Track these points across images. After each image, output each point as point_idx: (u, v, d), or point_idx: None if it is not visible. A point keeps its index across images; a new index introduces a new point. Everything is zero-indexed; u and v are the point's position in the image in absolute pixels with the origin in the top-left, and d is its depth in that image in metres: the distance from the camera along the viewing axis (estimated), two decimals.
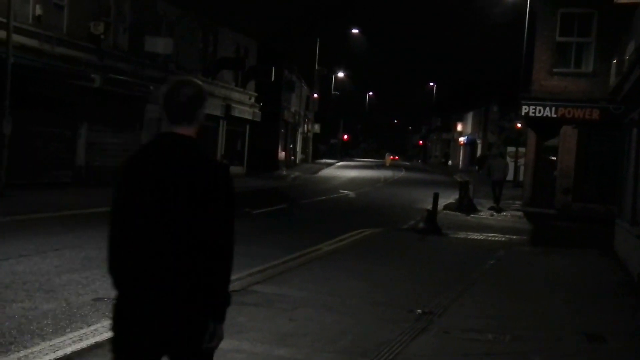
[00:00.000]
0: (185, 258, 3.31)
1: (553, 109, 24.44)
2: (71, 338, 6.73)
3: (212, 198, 3.39)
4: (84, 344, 6.54)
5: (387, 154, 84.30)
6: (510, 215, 24.40)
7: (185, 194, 3.31)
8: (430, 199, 18.98)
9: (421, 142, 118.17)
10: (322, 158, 75.55)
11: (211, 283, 3.40)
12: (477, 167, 59.64)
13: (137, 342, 3.35)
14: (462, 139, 75.77)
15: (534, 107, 24.67)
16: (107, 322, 7.37)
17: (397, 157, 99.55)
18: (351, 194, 31.19)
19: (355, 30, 69.63)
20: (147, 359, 3.37)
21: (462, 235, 18.01)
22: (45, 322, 7.28)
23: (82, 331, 7.01)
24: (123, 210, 3.46)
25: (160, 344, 3.35)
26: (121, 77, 25.77)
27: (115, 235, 3.47)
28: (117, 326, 3.44)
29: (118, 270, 3.47)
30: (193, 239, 3.32)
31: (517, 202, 28.39)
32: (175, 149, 3.41)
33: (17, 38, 19.92)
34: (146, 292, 3.32)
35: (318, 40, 59.94)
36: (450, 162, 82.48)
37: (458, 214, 23.64)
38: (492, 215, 24.20)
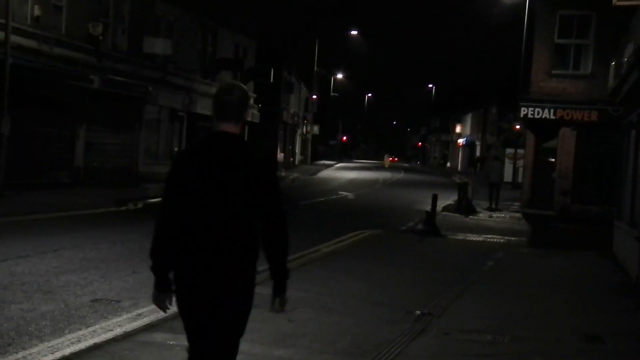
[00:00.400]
0: (241, 238, 3.87)
1: (552, 110, 24.46)
2: (69, 339, 6.72)
3: (263, 184, 3.87)
4: (82, 345, 6.53)
5: (385, 156, 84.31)
6: (509, 217, 24.42)
7: (237, 182, 3.81)
8: (429, 200, 19.00)
9: (420, 143, 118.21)
10: (321, 159, 75.52)
11: (276, 255, 4.06)
12: (474, 169, 59.71)
13: (195, 304, 3.95)
14: (461, 141, 75.81)
15: (532, 108, 24.68)
16: (105, 323, 7.38)
17: (396, 158, 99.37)
18: (350, 195, 31.19)
19: (354, 32, 69.65)
20: (204, 321, 3.97)
21: (460, 236, 18.01)
22: (44, 323, 7.26)
23: (81, 332, 7.00)
24: (178, 198, 3.86)
25: (212, 313, 3.93)
26: (120, 78, 25.74)
27: (166, 221, 3.88)
28: (179, 293, 3.99)
29: (167, 253, 3.91)
30: (244, 221, 3.87)
31: (516, 203, 28.40)
32: (225, 145, 3.89)
33: (15, 39, 19.89)
34: (199, 268, 3.84)
35: (317, 41, 59.98)
36: (448, 164, 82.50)
37: (457, 215, 23.65)
38: (490, 216, 24.21)
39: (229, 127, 3.93)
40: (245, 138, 33.13)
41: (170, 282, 4.00)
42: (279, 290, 4.23)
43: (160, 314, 7.79)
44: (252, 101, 40.53)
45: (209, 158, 3.87)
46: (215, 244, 3.84)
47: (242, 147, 3.95)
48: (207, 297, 3.92)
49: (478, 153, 64.07)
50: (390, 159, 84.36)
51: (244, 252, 3.92)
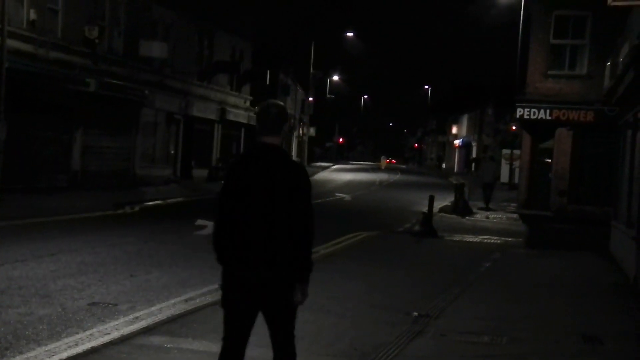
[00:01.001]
0: (280, 235, 4.48)
1: (548, 111, 24.49)
2: (67, 343, 6.71)
3: (299, 188, 4.58)
4: (79, 349, 6.52)
5: (382, 157, 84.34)
6: (506, 218, 24.43)
7: (280, 186, 4.50)
8: (426, 202, 19.01)
9: (417, 144, 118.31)
10: (317, 161, 75.52)
11: (302, 249, 4.57)
12: (469, 169, 59.81)
13: (240, 300, 4.52)
14: (457, 142, 75.88)
15: (528, 109, 24.71)
16: (102, 327, 7.37)
17: (394, 160, 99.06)
18: (347, 197, 31.19)
19: (350, 34, 69.74)
20: (249, 314, 4.58)
21: (457, 237, 18.02)
22: (41, 327, 7.25)
23: (78, 336, 6.99)
24: (232, 199, 4.56)
25: (258, 302, 4.53)
26: (116, 81, 25.74)
27: (223, 218, 4.57)
28: (226, 286, 4.55)
29: (224, 246, 4.56)
30: (285, 219, 4.49)
31: (513, 204, 28.42)
32: (268, 155, 4.62)
33: (11, 43, 19.89)
34: (248, 261, 4.46)
35: (313, 43, 60.01)
36: (444, 165, 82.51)
37: (454, 216, 23.66)
38: (487, 217, 24.23)
39: (270, 139, 4.66)
40: (243, 140, 33.02)
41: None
42: (301, 281, 4.60)
43: (158, 318, 7.81)
44: (248, 103, 40.58)
45: (255, 166, 4.59)
46: (261, 238, 4.48)
47: (281, 156, 4.68)
48: (257, 288, 4.49)
49: (474, 154, 64.14)
50: (388, 160, 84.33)
51: (286, 245, 4.51)
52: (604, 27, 22.84)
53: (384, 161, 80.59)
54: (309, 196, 4.68)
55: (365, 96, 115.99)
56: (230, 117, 37.22)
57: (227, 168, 4.82)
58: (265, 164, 4.58)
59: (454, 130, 79.25)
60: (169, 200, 24.05)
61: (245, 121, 39.62)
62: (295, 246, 4.54)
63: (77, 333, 7.11)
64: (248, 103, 40.87)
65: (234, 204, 4.55)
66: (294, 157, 60.86)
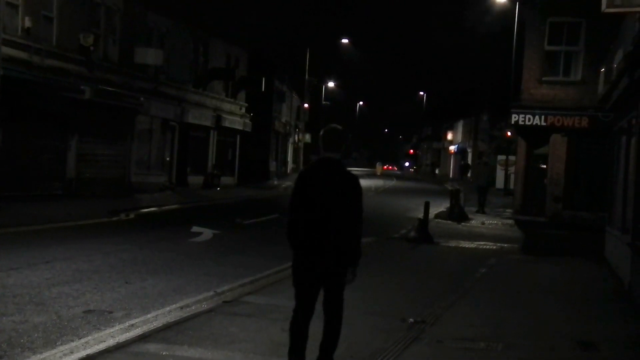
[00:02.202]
0: (339, 229, 5.82)
1: (542, 117, 24.56)
2: (62, 351, 6.69)
3: (352, 194, 5.91)
4: (74, 356, 6.51)
5: (378, 164, 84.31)
6: (502, 224, 24.46)
7: (339, 191, 5.86)
8: (422, 208, 19.00)
9: (412, 151, 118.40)
10: None
11: (352, 243, 5.89)
12: (462, 175, 59.92)
13: (308, 278, 5.95)
14: (452, 148, 75.97)
15: (523, 115, 24.78)
16: (98, 335, 7.35)
17: (391, 167, 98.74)
18: None
19: (345, 40, 69.81)
20: (313, 288, 6.00)
21: (453, 243, 18.03)
22: (36, 335, 7.23)
23: (73, 344, 6.97)
24: (302, 202, 5.88)
25: (321, 279, 5.95)
26: (111, 89, 25.73)
27: (295, 217, 5.90)
28: (295, 269, 6.03)
29: (296, 237, 5.92)
30: (342, 217, 5.82)
31: (508, 210, 28.47)
32: (332, 167, 5.94)
33: (6, 50, 19.87)
34: (315, 248, 5.84)
35: (308, 50, 60.08)
36: (437, 171, 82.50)
37: (449, 222, 23.68)
38: (482, 223, 24.26)
39: (332, 155, 5.99)
40: (238, 147, 33.02)
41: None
42: (353, 265, 5.96)
43: (153, 325, 7.80)
44: (243, 110, 40.60)
45: (320, 175, 5.93)
46: (325, 231, 5.82)
47: (340, 168, 5.99)
48: (320, 269, 5.90)
49: (467, 160, 64.22)
50: (385, 167, 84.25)
51: (343, 238, 5.85)
52: (598, 33, 22.93)
53: (381, 167, 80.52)
54: (361, 199, 5.99)
55: (361, 103, 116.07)
56: (226, 123, 37.22)
57: (297, 176, 6.09)
58: (327, 173, 5.92)
59: (449, 136, 79.36)
60: (164, 208, 24.02)
61: (240, 128, 39.60)
62: (349, 238, 5.88)
63: (72, 341, 7.09)
64: (243, 110, 40.87)
65: (304, 204, 5.87)
66: (289, 164, 60.98)
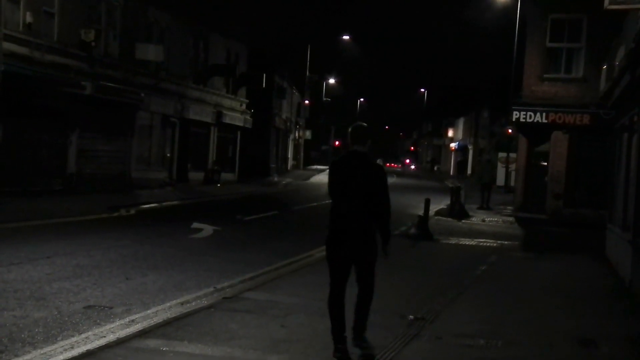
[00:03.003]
0: (369, 213, 6.74)
1: (544, 114, 24.52)
2: (62, 346, 6.70)
3: (379, 182, 6.86)
4: (75, 352, 6.51)
5: (378, 160, 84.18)
6: (502, 221, 24.46)
7: (369, 181, 6.78)
8: (422, 205, 19.01)
9: (412, 147, 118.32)
10: (313, 164, 75.53)
11: (384, 224, 6.84)
12: (459, 172, 59.92)
13: (341, 254, 6.75)
14: (453, 145, 75.95)
15: (524, 112, 24.74)
16: (98, 330, 7.36)
17: (394, 164, 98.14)
18: None
19: (346, 37, 69.77)
20: (346, 265, 6.79)
21: (453, 240, 18.03)
22: (37, 330, 7.24)
23: (74, 339, 6.98)
24: (336, 190, 6.82)
25: (353, 257, 6.77)
26: (112, 85, 25.70)
27: (334, 202, 6.82)
28: (329, 249, 6.84)
29: (334, 219, 6.80)
30: (373, 202, 6.74)
31: (509, 207, 28.46)
32: (360, 159, 6.87)
33: (7, 45, 19.86)
34: (348, 229, 6.70)
35: (309, 46, 60.05)
36: (436, 168, 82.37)
37: (449, 219, 23.67)
38: (483, 220, 24.27)
39: (360, 148, 6.91)
40: (238, 143, 33.05)
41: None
42: (385, 244, 6.87)
43: (153, 321, 7.80)
44: (244, 106, 40.57)
45: (349, 165, 6.86)
46: (356, 215, 6.72)
47: (367, 159, 6.92)
48: (351, 248, 6.73)
49: (470, 157, 64.18)
50: (388, 164, 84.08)
51: (371, 219, 6.77)
52: (600, 30, 22.88)
53: (380, 164, 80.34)
54: (387, 186, 6.94)
55: (361, 99, 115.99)
56: (226, 120, 37.20)
57: (329, 166, 7.03)
58: (356, 164, 6.84)
59: (450, 133, 79.33)
60: (165, 203, 24.02)
61: (241, 124, 39.58)
62: (380, 220, 6.82)
63: (73, 336, 7.10)
64: (244, 106, 40.84)
65: (337, 192, 6.80)
66: (290, 161, 60.97)
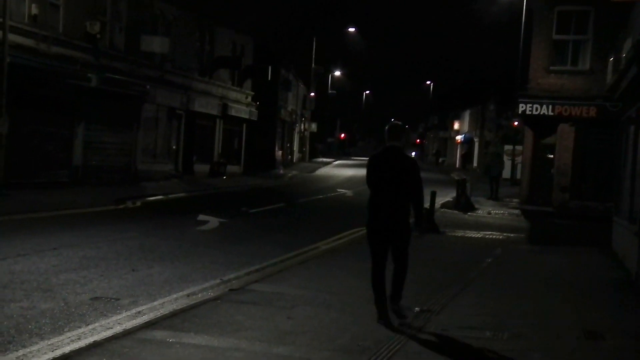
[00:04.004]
0: (403, 200, 7.78)
1: (550, 106, 24.44)
2: (69, 337, 6.72)
3: (414, 173, 7.80)
4: (82, 343, 6.53)
5: None
6: (508, 213, 24.43)
7: (403, 172, 7.74)
8: (427, 197, 18.97)
9: (418, 140, 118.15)
10: (319, 157, 75.49)
11: (418, 208, 7.94)
12: (464, 165, 59.76)
13: (379, 237, 7.85)
14: (459, 137, 75.74)
15: (530, 105, 24.67)
16: (105, 321, 7.38)
17: None
18: (348, 192, 31.20)
19: (351, 29, 69.60)
20: (384, 246, 7.88)
21: (459, 233, 18.02)
22: (44, 321, 7.27)
23: (80, 330, 7.00)
24: (375, 181, 7.80)
25: (390, 238, 7.85)
26: (118, 77, 25.72)
27: (373, 191, 7.82)
28: (370, 232, 7.93)
29: (372, 207, 7.82)
30: (407, 190, 7.76)
31: (515, 200, 28.43)
32: (396, 152, 7.84)
33: (13, 37, 19.88)
34: (385, 215, 7.76)
35: (315, 39, 59.92)
36: (440, 160, 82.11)
37: (456, 212, 23.66)
38: (489, 213, 24.23)
39: (395, 143, 7.88)
40: (244, 136, 33.06)
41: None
42: (418, 225, 8.38)
43: (160, 312, 7.83)
44: (249, 99, 40.56)
45: (386, 159, 7.83)
46: (392, 202, 7.75)
47: (402, 153, 7.90)
48: (388, 230, 7.83)
49: (476, 150, 64.02)
50: None
51: (405, 206, 7.83)
52: (607, 22, 22.79)
53: None
54: (419, 175, 7.89)
55: (367, 92, 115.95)
56: (232, 112, 37.20)
57: (369, 159, 7.98)
58: (392, 157, 7.81)
59: (456, 125, 79.04)
60: (171, 196, 24.06)
61: (246, 116, 39.57)
62: (414, 204, 7.89)
63: (80, 327, 7.13)
64: (250, 98, 40.83)
65: (374, 183, 7.77)
66: (295, 153, 60.95)
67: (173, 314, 7.77)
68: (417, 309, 8.69)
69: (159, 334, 6.94)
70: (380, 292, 7.89)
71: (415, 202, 7.88)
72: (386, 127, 7.97)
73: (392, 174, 7.70)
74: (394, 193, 7.70)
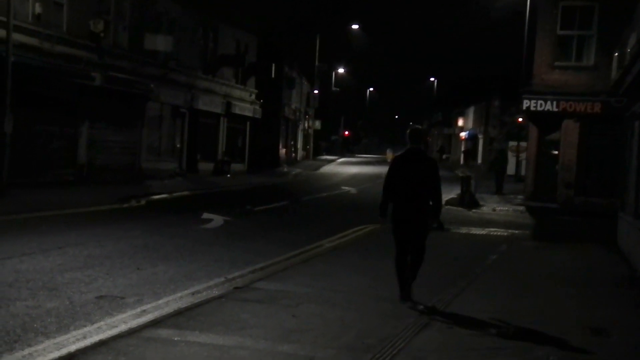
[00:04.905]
0: (424, 196, 8.63)
1: (554, 102, 24.41)
2: (75, 336, 6.73)
3: (433, 173, 8.69)
4: (87, 341, 6.54)
5: (388, 150, 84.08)
6: (513, 210, 24.39)
7: (424, 171, 8.65)
8: None
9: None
10: (323, 154, 75.46)
11: (436, 204, 8.73)
12: (466, 162, 59.65)
13: (402, 228, 8.72)
14: (463, 134, 75.64)
15: (535, 101, 24.64)
16: (110, 320, 7.40)
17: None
18: (352, 190, 31.18)
19: (355, 26, 69.49)
20: (406, 237, 8.73)
21: (464, 230, 18.00)
22: (49, 320, 7.28)
23: (86, 329, 7.01)
24: (396, 180, 8.72)
25: (411, 228, 8.68)
26: (121, 75, 25.75)
27: (389, 190, 8.80)
28: (394, 225, 8.77)
29: (396, 202, 8.73)
30: (425, 188, 8.62)
31: (520, 196, 28.39)
32: (417, 154, 8.80)
33: (17, 36, 19.90)
34: (406, 209, 8.63)
35: (318, 36, 59.86)
36: (444, 157, 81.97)
37: (460, 209, 23.62)
38: (494, 210, 24.20)
39: (417, 145, 8.85)
40: (248, 134, 33.10)
41: (386, 214, 8.88)
42: (436, 216, 8.97)
43: (165, 310, 7.84)
44: (253, 97, 40.56)
45: (409, 160, 8.78)
46: (413, 199, 8.66)
47: (424, 155, 8.97)
48: (410, 223, 8.69)
49: (480, 146, 63.93)
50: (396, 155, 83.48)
51: (425, 202, 8.69)
52: (611, 17, 22.74)
53: (391, 154, 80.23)
54: (438, 173, 8.79)
55: (371, 89, 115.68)
56: (236, 110, 37.20)
57: (393, 160, 9.01)
58: (414, 158, 8.78)
59: (460, 122, 78.91)
60: (175, 194, 24.08)
61: (250, 114, 39.56)
62: (434, 200, 8.71)
63: (85, 326, 7.14)
64: (253, 96, 40.82)
65: (398, 181, 8.71)
66: (299, 151, 60.91)
67: (178, 313, 7.79)
68: (422, 306, 8.69)
69: (164, 333, 6.95)
70: (401, 275, 8.88)
71: (435, 197, 8.69)
72: (408, 131, 8.89)
73: (415, 173, 8.65)
74: (416, 190, 8.62)
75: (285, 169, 45.02)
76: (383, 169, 57.31)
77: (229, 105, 36.40)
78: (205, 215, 17.45)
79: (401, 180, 8.68)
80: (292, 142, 55.96)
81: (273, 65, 40.25)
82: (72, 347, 6.34)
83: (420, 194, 8.62)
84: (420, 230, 8.71)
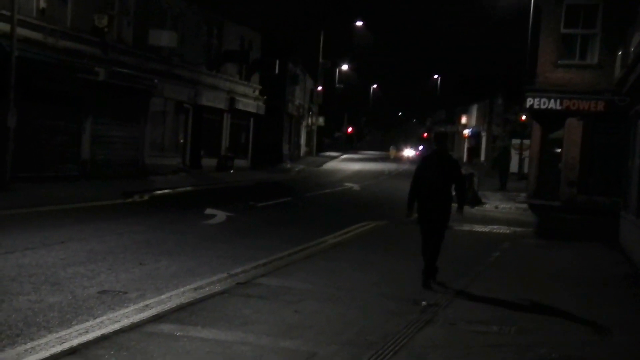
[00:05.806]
0: (447, 192, 9.97)
1: (558, 101, 24.36)
2: (77, 330, 6.75)
3: (456, 172, 10.06)
4: (90, 336, 6.56)
5: (391, 147, 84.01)
6: (515, 208, 24.38)
7: (447, 171, 9.94)
8: None
9: (426, 134, 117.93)
10: (326, 151, 75.47)
11: (460, 196, 10.41)
12: (471, 160, 59.61)
13: (426, 220, 10.02)
14: (466, 132, 75.58)
15: (538, 99, 24.59)
16: (112, 315, 7.42)
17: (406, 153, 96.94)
18: (355, 186, 31.19)
19: (359, 23, 69.46)
20: (430, 228, 10.02)
21: (467, 227, 17.99)
22: (51, 314, 7.30)
23: (88, 323, 7.03)
24: (421, 179, 9.92)
25: (434, 222, 9.98)
26: (125, 71, 25.76)
27: (415, 188, 9.99)
28: (419, 217, 10.09)
29: (421, 198, 9.95)
30: (448, 186, 9.97)
31: (522, 194, 28.36)
32: (441, 155, 10.16)
33: (21, 31, 19.91)
34: (429, 205, 9.89)
35: (322, 32, 59.81)
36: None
37: None
38: (496, 207, 24.19)
39: (441, 147, 10.26)
40: (251, 130, 33.08)
41: (412, 210, 10.08)
42: (460, 209, 10.34)
43: (167, 306, 7.86)
44: (257, 93, 40.55)
45: (434, 160, 10.04)
46: (436, 196, 9.80)
47: (447, 155, 10.27)
48: (433, 216, 9.87)
49: (484, 144, 63.88)
50: (399, 152, 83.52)
51: (448, 198, 9.91)
52: (615, 16, 22.68)
53: (394, 151, 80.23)
54: (461, 172, 10.14)
55: (375, 86, 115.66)
56: (240, 106, 37.21)
57: (420, 160, 10.39)
58: (438, 159, 10.00)
59: (463, 120, 78.88)
60: (178, 190, 24.11)
61: (254, 110, 39.57)
62: (458, 191, 10.13)
63: (88, 320, 7.15)
64: (257, 92, 40.82)
65: (423, 179, 9.83)
66: (303, 147, 60.95)
67: (180, 308, 7.80)
68: (424, 302, 8.70)
69: (166, 328, 6.97)
70: (426, 261, 9.95)
71: (459, 189, 10.23)
72: (433, 135, 10.30)
73: (438, 172, 9.81)
74: (440, 186, 9.78)
75: (289, 165, 45.03)
76: (386, 166, 57.52)
77: (232, 101, 36.41)
78: (209, 211, 17.47)
79: (426, 181, 9.81)
80: (295, 139, 55.94)
81: (277, 61, 40.21)
82: (75, 342, 6.36)
83: (444, 190, 9.83)
84: (442, 224, 9.96)
